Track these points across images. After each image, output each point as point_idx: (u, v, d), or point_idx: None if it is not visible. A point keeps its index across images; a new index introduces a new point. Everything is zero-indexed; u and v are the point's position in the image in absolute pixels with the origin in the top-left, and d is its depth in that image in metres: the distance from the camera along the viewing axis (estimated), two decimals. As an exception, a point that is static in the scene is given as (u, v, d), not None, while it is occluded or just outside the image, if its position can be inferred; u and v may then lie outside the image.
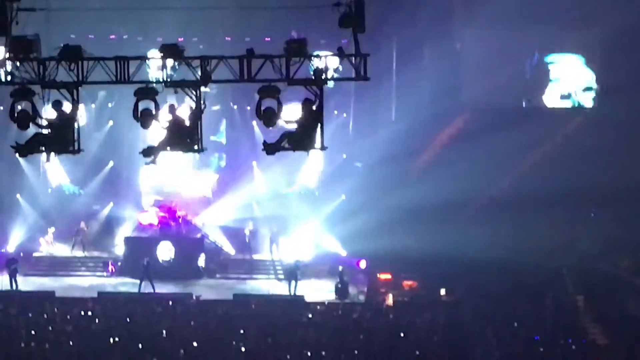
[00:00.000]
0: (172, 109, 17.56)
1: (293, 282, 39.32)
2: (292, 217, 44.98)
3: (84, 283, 41.69)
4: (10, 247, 44.00)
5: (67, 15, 37.71)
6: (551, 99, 49.26)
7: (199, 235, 44.27)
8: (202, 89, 17.40)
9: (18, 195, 46.73)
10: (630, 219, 42.51)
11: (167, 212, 44.65)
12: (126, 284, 41.12)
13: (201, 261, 42.73)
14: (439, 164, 46.25)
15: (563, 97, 49.29)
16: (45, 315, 33.70)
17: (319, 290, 39.87)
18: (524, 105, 48.88)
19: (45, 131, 17.40)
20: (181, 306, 36.01)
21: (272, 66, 17.03)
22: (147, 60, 17.75)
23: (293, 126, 17.16)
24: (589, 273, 39.45)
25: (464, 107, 48.34)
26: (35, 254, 43.97)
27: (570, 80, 49.06)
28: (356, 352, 29.18)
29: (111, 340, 30.15)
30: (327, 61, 17.09)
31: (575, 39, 48.28)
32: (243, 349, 29.34)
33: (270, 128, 17.24)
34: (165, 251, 42.61)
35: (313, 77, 16.99)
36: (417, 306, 36.12)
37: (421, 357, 28.81)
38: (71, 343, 29.82)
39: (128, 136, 44.67)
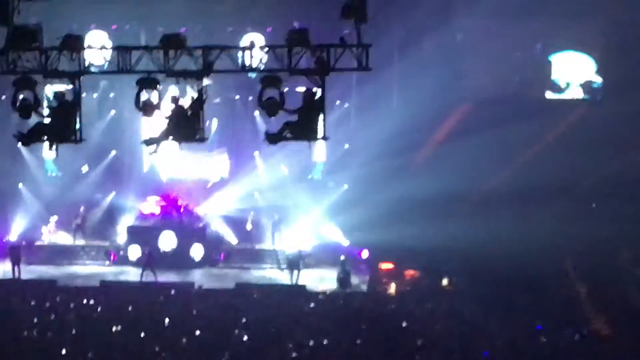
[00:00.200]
0: (174, 99, 17.58)
1: (295, 272, 39.37)
2: (294, 206, 44.97)
3: (86, 272, 41.77)
4: (13, 236, 44.06)
5: (68, 4, 37.82)
6: (552, 90, 49.23)
7: (201, 225, 44.29)
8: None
9: (20, 184, 46.77)
10: (632, 211, 42.52)
11: (169, 202, 44.69)
12: (128, 273, 41.17)
13: (202, 250, 42.73)
14: (441, 155, 46.26)
15: (564, 89, 49.25)
16: (47, 304, 33.75)
17: (321, 280, 39.90)
18: (523, 95, 48.82)
19: (47, 120, 17.41)
20: (183, 295, 36.04)
21: (274, 56, 17.03)
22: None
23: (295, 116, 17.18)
24: (592, 264, 39.46)
25: (465, 98, 48.31)
26: (37, 243, 44.02)
27: (571, 73, 49.01)
28: (358, 341, 29.21)
29: (113, 329, 30.20)
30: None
31: (577, 30, 48.18)
32: (245, 338, 29.37)
33: (273, 118, 17.24)
34: (167, 241, 42.64)
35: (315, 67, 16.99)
36: (419, 295, 36.13)
37: (423, 347, 28.83)
38: (73, 332, 29.88)
39: (130, 126, 44.69)
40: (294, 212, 44.69)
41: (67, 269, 42.15)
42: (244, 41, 41.58)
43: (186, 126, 17.47)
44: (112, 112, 47.41)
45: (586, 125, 46.14)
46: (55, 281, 38.53)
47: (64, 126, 17.34)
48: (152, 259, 40.04)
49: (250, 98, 44.85)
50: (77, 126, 17.37)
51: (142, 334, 29.39)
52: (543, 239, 41.78)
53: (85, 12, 42.39)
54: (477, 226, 41.99)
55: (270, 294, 35.99)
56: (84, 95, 17.69)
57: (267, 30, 43.38)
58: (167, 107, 17.54)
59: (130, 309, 32.98)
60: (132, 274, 40.62)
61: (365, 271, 40.88)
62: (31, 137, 17.64)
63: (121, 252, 43.12)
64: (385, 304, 35.25)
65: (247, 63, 17.29)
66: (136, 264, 41.38)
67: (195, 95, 17.41)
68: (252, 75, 17.74)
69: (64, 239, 44.77)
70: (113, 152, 47.89)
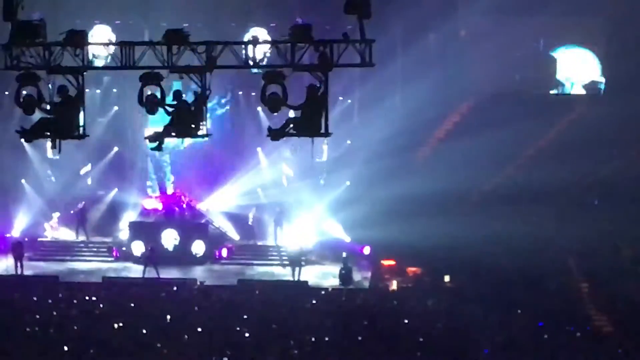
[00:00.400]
0: (177, 94, 17.56)
1: (297, 268, 39.39)
2: (297, 203, 44.95)
3: (88, 268, 41.80)
4: (16, 232, 44.08)
5: (72, 0, 37.84)
6: (556, 88, 49.23)
7: (203, 221, 44.31)
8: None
9: (23, 181, 46.77)
10: (633, 208, 42.54)
11: (172, 198, 44.70)
12: (130, 269, 41.20)
13: (204, 247, 42.75)
14: (443, 153, 46.25)
15: (568, 86, 49.24)
16: (49, 300, 33.79)
17: (323, 276, 39.94)
18: (526, 91, 48.81)
19: (50, 116, 17.39)
20: (185, 291, 36.12)
21: (277, 52, 17.01)
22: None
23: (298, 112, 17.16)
24: (593, 261, 39.46)
25: (468, 94, 48.31)
26: (40, 239, 44.06)
27: (575, 70, 49.00)
28: (360, 337, 29.26)
29: (115, 325, 30.25)
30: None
31: (581, 27, 48.17)
32: (247, 334, 29.42)
33: (275, 114, 17.23)
34: (169, 238, 42.68)
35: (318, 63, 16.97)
36: (421, 292, 36.18)
37: (425, 343, 28.88)
38: (75, 328, 29.92)
39: (133, 122, 44.68)
40: (297, 208, 44.67)
41: (70, 265, 42.20)
42: (248, 37, 41.62)
43: (189, 122, 17.45)
44: (115, 107, 47.37)
45: (588, 123, 46.09)
46: (57, 277, 38.57)
47: (67, 122, 17.31)
48: (154, 255, 40.06)
49: (253, 94, 44.85)
50: (81, 122, 17.35)
51: (144, 330, 29.46)
52: (544, 237, 41.77)
53: (88, 8, 42.38)
54: (479, 224, 41.94)
55: (272, 290, 36.03)
56: (87, 91, 17.66)
57: (271, 26, 43.38)
58: (169, 103, 17.53)
59: (132, 305, 33.02)
60: (134, 270, 40.64)
61: (367, 268, 40.90)
62: (34, 133, 17.60)
63: (123, 249, 43.13)
64: (387, 301, 35.29)
65: (250, 58, 17.27)
66: (139, 259, 41.34)
67: (199, 90, 17.40)
68: (256, 71, 17.63)
69: (67, 235, 44.82)
70: (115, 149, 47.86)
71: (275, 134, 17.36)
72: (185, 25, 18.37)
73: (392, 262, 40.46)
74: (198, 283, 38.02)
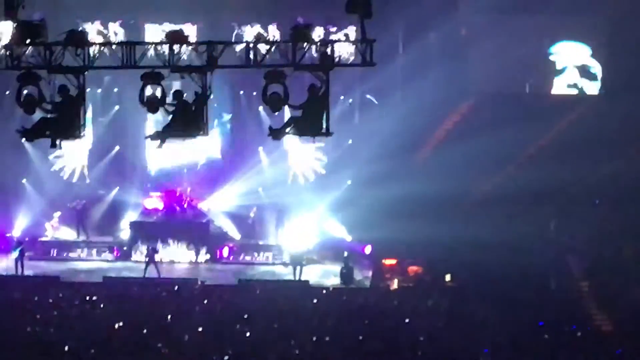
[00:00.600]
0: (178, 94, 17.58)
1: (298, 268, 39.37)
2: (298, 202, 44.93)
3: (89, 267, 41.78)
4: (17, 232, 44.07)
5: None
6: (556, 87, 49.20)
7: (204, 220, 44.30)
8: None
9: (24, 180, 46.76)
10: (634, 207, 42.54)
11: (173, 197, 44.70)
12: (131, 269, 41.18)
13: (205, 246, 42.75)
14: (444, 152, 46.24)
15: (569, 85, 49.22)
16: (50, 300, 33.78)
17: (324, 276, 39.95)
18: (527, 91, 48.83)
19: (51, 116, 17.40)
20: (186, 291, 36.08)
21: (279, 51, 17.02)
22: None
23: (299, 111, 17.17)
24: (594, 260, 39.46)
25: (469, 93, 48.30)
26: (40, 239, 44.04)
27: (575, 69, 48.98)
28: (361, 337, 29.23)
29: (116, 325, 30.22)
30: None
31: (581, 25, 48.15)
32: (248, 334, 29.39)
33: (277, 113, 17.25)
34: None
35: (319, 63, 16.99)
36: (422, 292, 36.16)
37: (426, 343, 28.85)
38: (76, 327, 29.89)
39: (134, 121, 44.66)
40: (298, 207, 44.64)
41: (70, 265, 42.18)
42: (249, 36, 41.58)
43: (190, 122, 17.46)
44: (116, 107, 47.36)
45: (589, 122, 46.08)
46: (58, 277, 38.53)
47: (68, 122, 17.32)
48: (155, 255, 40.07)
49: (255, 93, 44.79)
50: (82, 122, 17.37)
51: (145, 330, 29.41)
52: (544, 237, 41.77)
53: (89, 7, 42.36)
54: (479, 223, 41.96)
55: (273, 289, 36.01)
56: (88, 90, 17.67)
57: (272, 26, 43.35)
58: (171, 103, 17.54)
59: (132, 304, 33.00)
60: (135, 270, 40.61)
61: (369, 267, 40.90)
62: (35, 133, 17.62)
63: (124, 248, 43.13)
64: (388, 300, 35.27)
65: (251, 58, 17.28)
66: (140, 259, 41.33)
67: (200, 90, 17.41)
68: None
69: (67, 234, 44.81)
70: (117, 148, 47.84)
71: (277, 134, 17.39)
72: (187, 25, 18.41)
73: (393, 262, 40.46)
74: (199, 283, 38.01)
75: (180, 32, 17.34)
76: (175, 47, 17.07)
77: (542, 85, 49.08)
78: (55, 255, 43.20)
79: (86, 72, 17.23)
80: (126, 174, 47.38)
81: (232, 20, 42.55)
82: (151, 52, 17.34)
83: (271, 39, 17.33)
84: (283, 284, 38.02)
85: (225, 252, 42.92)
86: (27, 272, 39.56)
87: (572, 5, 45.76)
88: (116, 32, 42.63)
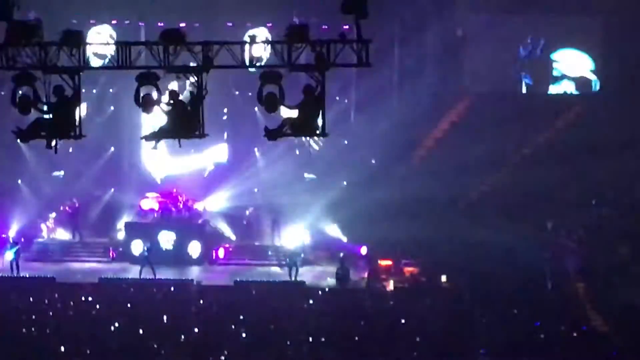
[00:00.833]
0: (173, 94, 17.53)
1: (294, 268, 39.35)
2: (294, 203, 44.89)
3: (85, 268, 41.71)
4: (12, 233, 43.97)
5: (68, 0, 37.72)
6: (552, 87, 49.28)
7: (200, 221, 44.26)
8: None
9: (19, 181, 46.71)
10: (630, 207, 42.57)
11: (169, 198, 44.65)
12: (127, 270, 41.12)
13: (201, 247, 42.68)
14: (440, 153, 46.25)
15: (563, 85, 49.30)
16: (46, 301, 33.74)
17: (319, 277, 39.92)
18: (523, 91, 48.90)
19: (46, 116, 17.35)
20: (182, 292, 36.05)
21: (274, 52, 16.98)
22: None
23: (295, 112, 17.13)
24: (589, 261, 39.46)
25: (465, 93, 48.34)
26: (36, 240, 43.98)
27: (572, 81, 49.13)
28: (357, 338, 29.24)
29: (112, 326, 30.20)
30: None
31: (577, 25, 48.22)
32: (244, 335, 29.40)
33: (272, 114, 17.21)
34: (166, 238, 42.65)
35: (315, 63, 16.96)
36: (418, 292, 36.18)
37: (421, 344, 28.86)
38: (72, 329, 29.87)
39: (129, 122, 44.62)
40: (294, 208, 44.60)
41: (66, 266, 42.10)
42: (244, 36, 41.59)
43: (186, 122, 17.41)
44: (112, 107, 47.32)
45: (585, 124, 46.15)
46: (53, 278, 38.44)
47: (63, 122, 17.26)
48: (151, 256, 40.02)
49: (250, 94, 44.78)
50: (77, 122, 17.31)
51: (141, 331, 29.40)
52: (541, 237, 41.79)
53: (85, 8, 42.35)
54: (476, 223, 41.97)
55: (269, 290, 36.01)
56: (83, 91, 17.62)
57: (267, 26, 43.39)
58: (166, 103, 17.49)
59: (128, 306, 32.98)
60: (131, 271, 40.56)
61: (364, 268, 40.85)
62: (30, 133, 17.55)
63: (120, 249, 43.07)
64: (384, 301, 35.28)
65: (247, 58, 17.25)
66: (136, 260, 41.26)
67: (195, 91, 17.37)
68: (253, 70, 17.60)
69: (63, 235, 44.74)
70: (112, 149, 47.80)
71: (272, 134, 17.34)
72: (182, 25, 18.38)
73: (389, 262, 40.44)
74: (195, 284, 37.98)
75: (176, 32, 17.29)
76: (171, 48, 17.02)
77: (537, 85, 49.13)
78: (50, 256, 43.09)
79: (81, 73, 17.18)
80: (122, 174, 47.33)
81: (227, 20, 42.62)
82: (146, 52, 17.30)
83: (267, 40, 17.31)
84: (279, 285, 37.98)
85: (221, 253, 42.88)
86: (22, 273, 39.49)
87: (567, 5, 45.84)
88: (111, 35, 42.64)
